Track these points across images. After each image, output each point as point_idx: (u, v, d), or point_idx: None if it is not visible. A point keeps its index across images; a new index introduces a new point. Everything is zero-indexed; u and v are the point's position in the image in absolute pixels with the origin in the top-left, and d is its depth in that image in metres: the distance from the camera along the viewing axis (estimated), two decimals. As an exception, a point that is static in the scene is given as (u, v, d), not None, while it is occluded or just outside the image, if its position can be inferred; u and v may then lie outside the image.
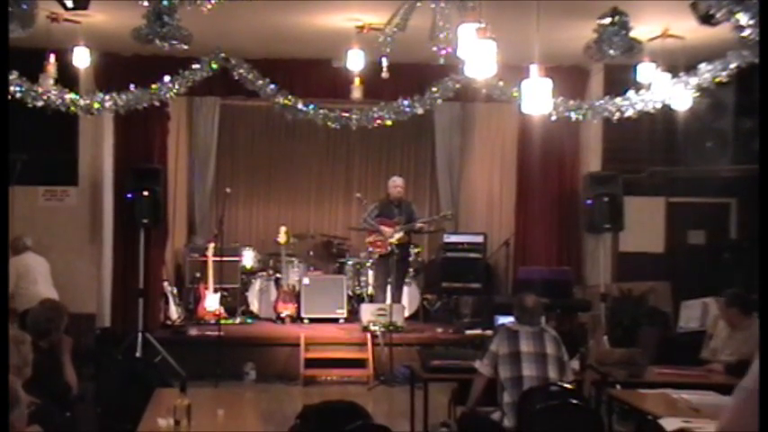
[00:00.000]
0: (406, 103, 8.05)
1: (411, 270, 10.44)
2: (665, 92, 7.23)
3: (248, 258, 10.85)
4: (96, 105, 7.60)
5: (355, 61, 7.49)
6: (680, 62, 7.38)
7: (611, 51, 6.59)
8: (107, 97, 7.67)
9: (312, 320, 9.99)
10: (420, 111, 8.19)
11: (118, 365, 7.44)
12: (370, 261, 10.38)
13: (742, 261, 8.77)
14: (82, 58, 7.54)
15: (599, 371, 5.62)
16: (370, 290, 10.40)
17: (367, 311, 9.34)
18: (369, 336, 9.01)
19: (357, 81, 8.10)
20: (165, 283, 9.87)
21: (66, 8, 5.81)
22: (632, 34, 6.64)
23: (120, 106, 7.75)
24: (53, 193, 9.05)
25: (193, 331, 9.35)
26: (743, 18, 4.17)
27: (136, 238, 9.06)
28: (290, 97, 8.20)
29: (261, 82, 8.26)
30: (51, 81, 7.43)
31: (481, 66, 4.66)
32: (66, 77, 7.68)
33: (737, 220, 9.62)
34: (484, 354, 5.19)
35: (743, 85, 7.87)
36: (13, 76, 6.95)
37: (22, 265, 7.92)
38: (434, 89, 8.09)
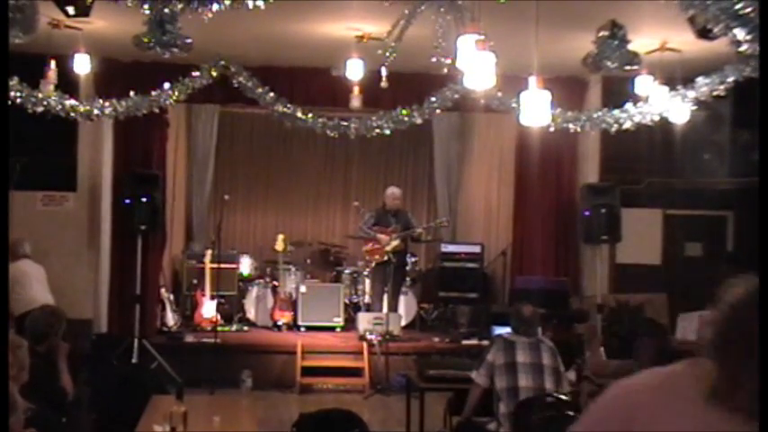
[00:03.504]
0: (404, 112, 8.08)
1: (408, 279, 10.44)
2: (662, 105, 7.27)
3: (245, 265, 10.85)
4: (96, 111, 7.62)
5: (354, 70, 7.52)
6: (677, 75, 7.42)
7: (610, 63, 6.63)
8: (107, 103, 7.69)
9: (309, 328, 9.99)
10: (418, 120, 8.22)
11: (114, 371, 7.44)
12: (367, 270, 10.38)
13: (739, 274, 8.78)
14: (82, 65, 7.57)
15: (595, 382, 5.62)
16: (367, 298, 10.41)
17: (364, 320, 9.34)
18: (365, 344, 9.01)
19: (356, 90, 8.14)
20: (162, 290, 9.87)
21: (67, 15, 5.84)
22: (630, 47, 6.67)
23: (120, 112, 7.76)
24: (52, 198, 9.06)
25: (190, 338, 9.35)
26: (740, 33, 4.20)
27: (133, 244, 9.06)
28: (289, 105, 8.22)
29: (260, 90, 8.29)
30: (52, 87, 7.45)
31: (480, 77, 4.68)
32: (67, 83, 7.71)
33: (734, 232, 9.65)
34: (480, 364, 5.20)
35: (740, 98, 7.91)
36: (14, 81, 6.97)
37: (19, 271, 7.92)
38: (433, 99, 8.12)
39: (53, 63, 7.57)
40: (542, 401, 4.94)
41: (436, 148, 11.88)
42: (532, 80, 4.85)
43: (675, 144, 8.81)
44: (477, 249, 10.48)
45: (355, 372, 8.92)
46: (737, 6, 4.23)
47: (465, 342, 9.19)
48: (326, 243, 11.53)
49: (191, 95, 8.19)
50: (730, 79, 6.82)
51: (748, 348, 1.62)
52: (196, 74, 7.98)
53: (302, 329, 9.96)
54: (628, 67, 6.79)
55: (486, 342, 6.40)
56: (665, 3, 4.69)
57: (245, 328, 10.13)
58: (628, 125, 7.51)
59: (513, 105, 7.36)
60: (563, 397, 5.02)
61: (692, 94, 7.14)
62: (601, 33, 6.62)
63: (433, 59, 6.08)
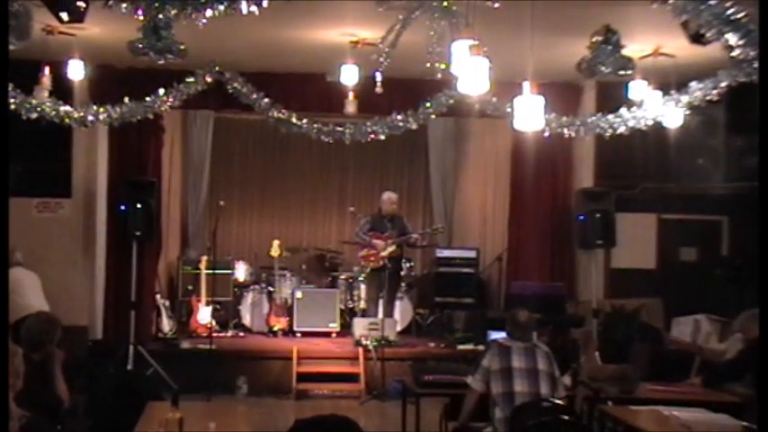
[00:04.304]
0: (399, 117, 8.09)
1: (404, 284, 10.44)
2: (656, 109, 7.29)
3: (241, 271, 10.84)
4: (90, 118, 7.61)
5: (349, 76, 7.53)
6: (671, 80, 7.45)
7: (604, 69, 6.65)
8: (101, 110, 7.68)
9: (304, 334, 9.98)
10: (414, 126, 8.24)
11: (110, 378, 7.42)
12: (363, 275, 10.38)
13: (734, 278, 8.81)
14: (76, 71, 7.56)
15: (591, 387, 5.63)
16: (363, 304, 10.40)
17: (359, 325, 9.33)
18: (361, 350, 9.00)
19: (351, 95, 8.15)
20: (158, 296, 9.84)
21: (61, 21, 5.82)
22: (624, 52, 6.69)
23: (115, 119, 7.77)
24: (46, 205, 9.04)
25: (185, 344, 9.33)
26: (732, 38, 4.23)
27: (129, 251, 9.05)
28: (284, 111, 8.23)
29: (255, 95, 8.31)
30: (46, 93, 7.45)
31: (474, 82, 4.70)
32: (61, 89, 7.71)
33: (729, 237, 9.67)
34: (476, 369, 5.20)
35: (734, 103, 7.94)
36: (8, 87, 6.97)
37: (13, 279, 7.89)
38: (428, 104, 8.14)
39: (47, 69, 7.56)
40: (538, 406, 4.94)
41: (431, 154, 11.89)
42: (527, 85, 4.86)
43: (670, 149, 8.84)
44: (472, 254, 10.50)
45: (351, 377, 8.91)
46: (730, 11, 4.25)
47: (461, 347, 9.20)
48: (322, 249, 11.53)
49: (186, 101, 8.21)
50: (723, 84, 6.84)
51: None
52: (191, 80, 7.99)
53: (298, 335, 9.96)
54: (622, 73, 6.81)
55: (481, 347, 6.40)
56: (658, 8, 4.71)
57: (241, 333, 10.12)
58: (622, 130, 7.53)
59: (508, 110, 7.37)
60: (559, 402, 5.02)
61: (685, 98, 7.17)
62: (595, 39, 6.64)
63: (428, 65, 6.09)
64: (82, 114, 7.58)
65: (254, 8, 4.68)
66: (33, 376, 4.57)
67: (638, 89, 7.45)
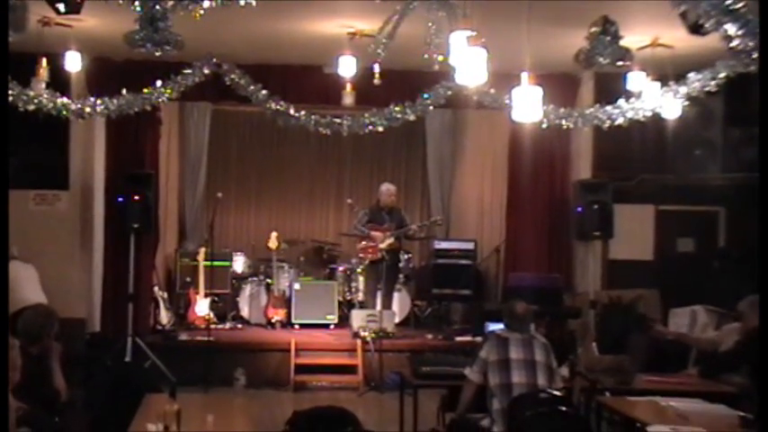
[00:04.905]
0: (397, 109, 8.08)
1: (401, 276, 10.45)
2: (654, 100, 7.28)
3: (239, 264, 10.84)
4: (88, 110, 7.59)
5: (347, 67, 7.51)
6: (669, 71, 7.44)
7: (602, 60, 6.64)
8: (98, 102, 7.66)
9: (302, 326, 9.99)
10: (411, 117, 8.22)
11: (108, 370, 7.42)
12: (361, 267, 10.38)
13: (731, 269, 8.82)
14: (73, 63, 7.54)
15: (588, 378, 5.63)
16: (361, 296, 10.41)
17: (357, 317, 9.34)
18: (359, 342, 9.01)
19: (349, 87, 8.14)
20: (156, 288, 9.85)
21: (58, 12, 5.81)
22: (622, 43, 6.68)
23: (112, 111, 7.75)
24: (44, 198, 9.02)
25: (183, 336, 9.34)
26: (731, 29, 4.23)
27: (126, 243, 9.04)
28: (281, 103, 8.22)
29: (253, 87, 8.29)
30: (43, 85, 7.43)
31: (472, 73, 4.68)
32: (58, 82, 7.68)
33: (726, 228, 9.68)
34: (473, 360, 5.21)
35: (732, 94, 7.93)
36: (5, 79, 6.95)
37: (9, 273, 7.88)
38: (426, 96, 8.12)
39: (44, 61, 7.54)
40: (535, 398, 4.95)
41: (429, 146, 11.88)
42: (524, 76, 4.85)
43: (667, 140, 8.84)
44: (470, 246, 10.49)
45: (349, 369, 8.92)
46: (729, 2, 4.24)
47: (458, 339, 9.21)
48: (320, 241, 11.52)
49: (183, 93, 8.19)
50: (722, 75, 6.84)
51: None
52: (188, 71, 7.97)
53: (296, 327, 9.97)
54: (620, 64, 6.80)
55: (479, 339, 6.41)
56: (656, -1, 4.70)
57: (239, 325, 10.12)
58: (620, 121, 7.52)
59: (506, 102, 7.36)
60: (556, 393, 5.03)
61: (683, 89, 7.16)
62: (593, 29, 6.63)
63: (426, 56, 6.08)
64: (79, 106, 7.56)
65: (251, -1, 4.67)
66: (31, 369, 4.56)
67: (637, 80, 7.43)
